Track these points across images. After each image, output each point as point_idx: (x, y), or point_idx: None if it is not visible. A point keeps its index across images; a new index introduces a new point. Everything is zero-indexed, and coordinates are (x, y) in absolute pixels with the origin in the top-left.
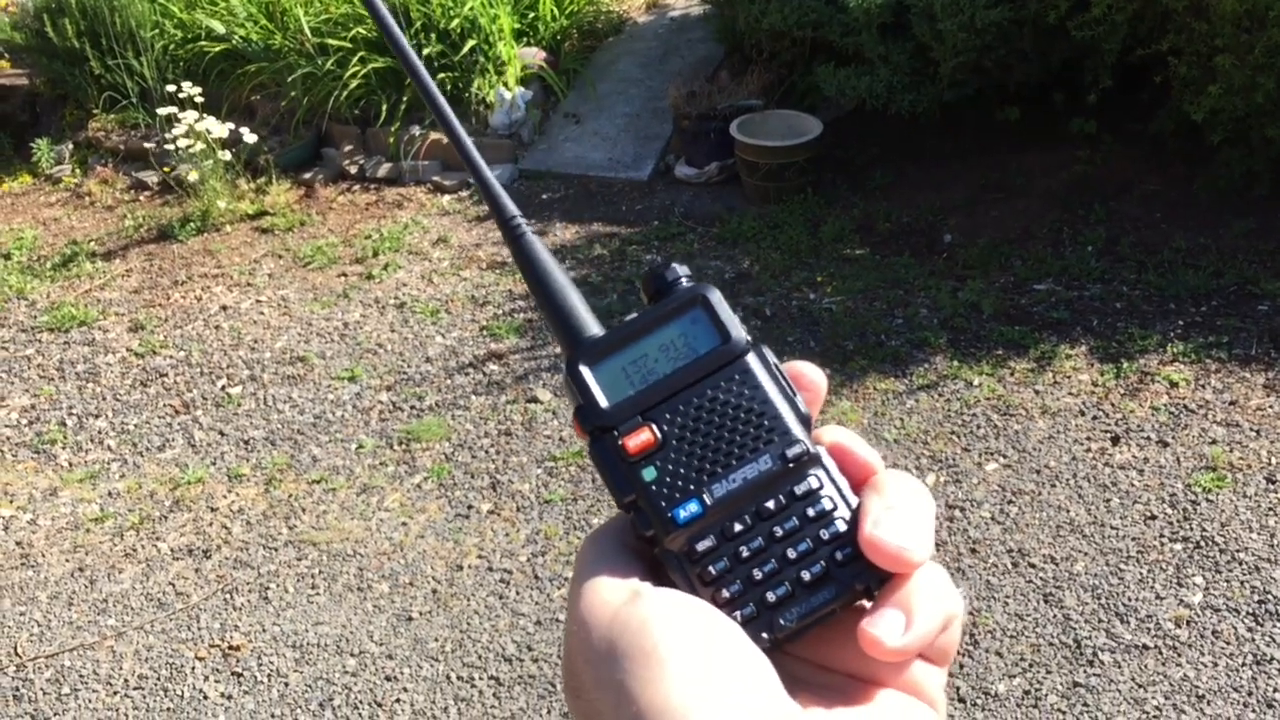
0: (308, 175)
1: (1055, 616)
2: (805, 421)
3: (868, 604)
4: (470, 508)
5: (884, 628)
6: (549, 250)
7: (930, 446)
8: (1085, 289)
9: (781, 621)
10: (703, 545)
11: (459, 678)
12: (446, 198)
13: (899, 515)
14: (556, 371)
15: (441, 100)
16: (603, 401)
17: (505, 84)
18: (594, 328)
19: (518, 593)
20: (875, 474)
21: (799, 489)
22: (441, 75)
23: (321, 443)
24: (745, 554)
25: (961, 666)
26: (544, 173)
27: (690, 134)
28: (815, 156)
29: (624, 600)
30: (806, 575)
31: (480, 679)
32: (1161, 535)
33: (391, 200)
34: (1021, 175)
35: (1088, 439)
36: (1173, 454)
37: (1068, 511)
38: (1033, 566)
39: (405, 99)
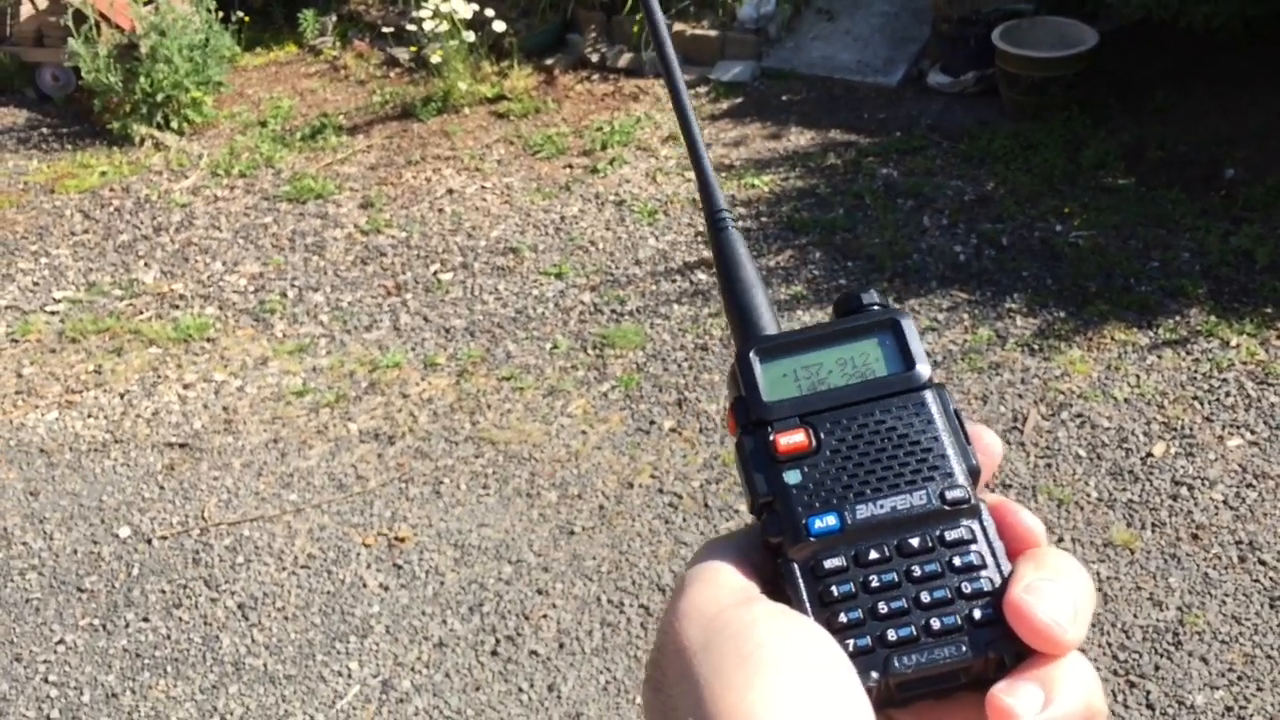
0: (549, 61)
1: (1279, 626)
2: (974, 473)
3: (998, 684)
4: (652, 423)
5: (1020, 700)
6: (748, 248)
7: (1165, 411)
8: None
9: (896, 664)
10: (831, 563)
11: (609, 601)
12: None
13: (1056, 588)
14: (768, 286)
15: (676, 69)
16: (764, 396)
17: None
18: (772, 329)
19: (684, 519)
20: (1036, 546)
21: (950, 534)
22: None
23: (518, 339)
24: (875, 584)
25: (1157, 668)
26: (787, 72)
27: (949, 39)
28: (1086, 71)
29: (733, 601)
30: (937, 624)
31: (630, 605)
32: None
33: (628, 92)
34: None
35: None
36: None
37: None
38: (1263, 564)
39: None
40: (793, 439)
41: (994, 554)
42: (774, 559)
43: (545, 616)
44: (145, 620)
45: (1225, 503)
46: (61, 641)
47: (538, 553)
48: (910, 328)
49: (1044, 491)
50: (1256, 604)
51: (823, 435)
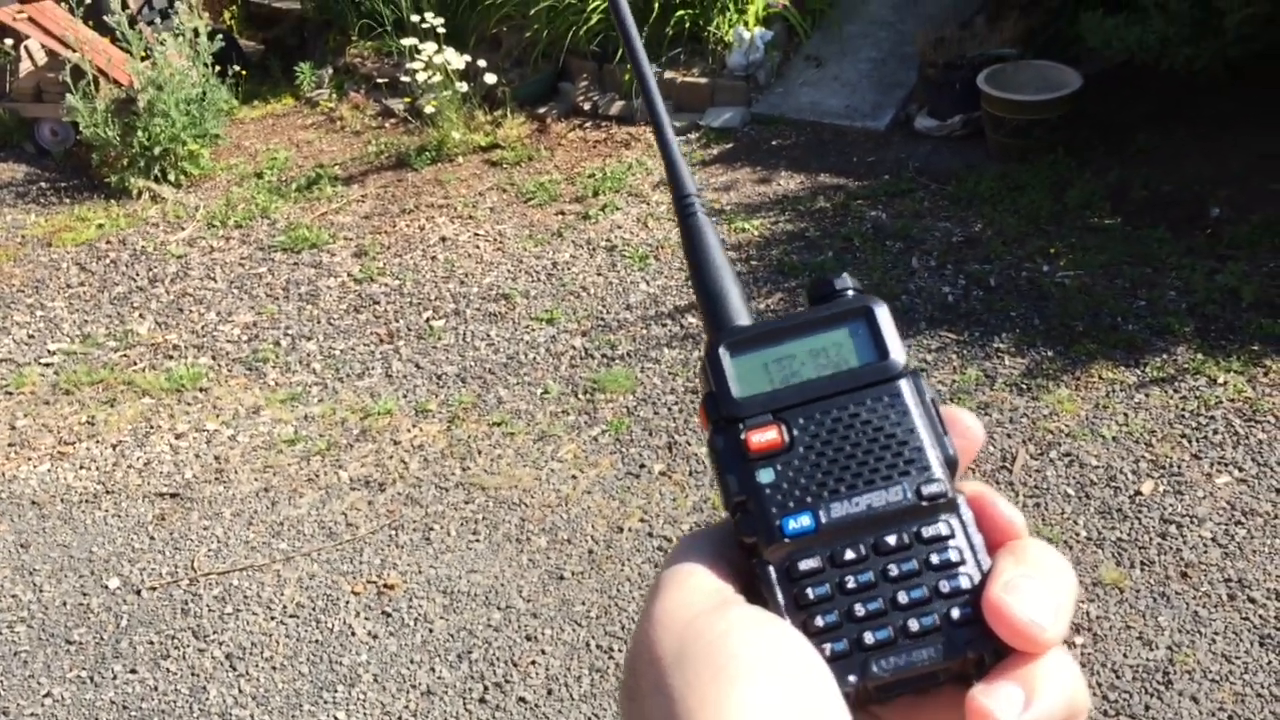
0: (542, 110)
1: (1271, 664)
2: (951, 464)
3: (977, 684)
4: (642, 467)
5: (999, 701)
6: (717, 235)
7: (1154, 449)
8: None
9: (874, 668)
10: (806, 564)
11: (599, 646)
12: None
13: (1036, 585)
14: None
15: (641, 53)
16: (735, 391)
17: (745, 23)
18: (743, 318)
19: None
20: (1017, 539)
21: (926, 531)
22: (681, 12)
23: (509, 384)
24: (851, 585)
25: (1147, 709)
26: (776, 118)
27: (935, 83)
28: (1070, 113)
29: (707, 607)
30: (914, 625)
31: (619, 651)
32: None
33: (620, 139)
34: None
35: None
36: None
37: None
38: (1253, 602)
39: (643, 35)
40: (765, 436)
41: (973, 549)
42: (749, 558)
43: (534, 663)
44: (133, 672)
45: (1214, 540)
46: (49, 694)
47: (527, 598)
48: (884, 315)
49: (1033, 531)
50: (1246, 642)
51: (795, 431)
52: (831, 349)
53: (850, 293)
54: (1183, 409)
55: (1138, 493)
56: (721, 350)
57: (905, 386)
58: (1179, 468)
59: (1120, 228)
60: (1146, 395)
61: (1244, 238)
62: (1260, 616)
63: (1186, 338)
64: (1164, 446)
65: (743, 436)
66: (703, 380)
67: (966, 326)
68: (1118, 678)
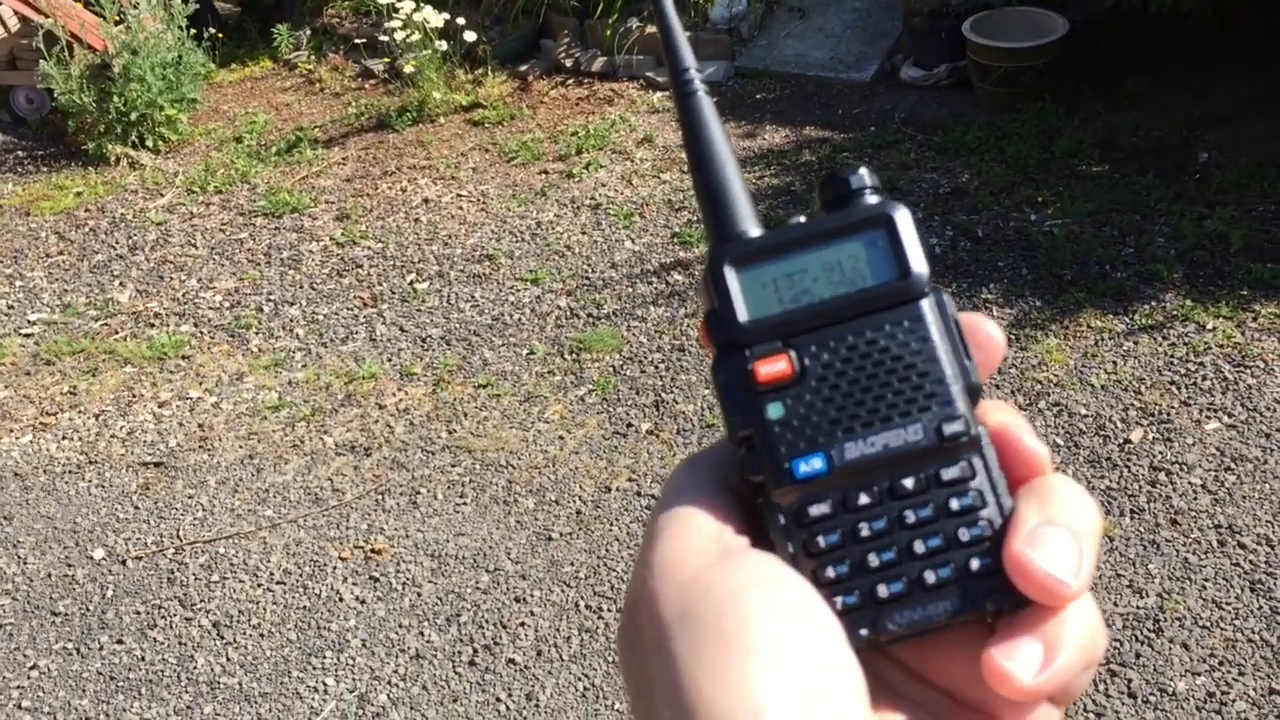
0: (524, 68)
1: (1261, 609)
2: (974, 393)
3: (994, 640)
4: (630, 426)
5: (1018, 661)
6: (722, 123)
7: (1143, 396)
8: None
9: (888, 624)
10: (817, 510)
11: (588, 607)
12: (657, 95)
13: (1059, 535)
14: None
15: None
16: (741, 313)
17: None
18: (750, 224)
19: None
20: (1040, 475)
21: (946, 474)
22: None
23: (495, 346)
24: (865, 533)
25: (1138, 656)
26: (761, 71)
27: (920, 32)
28: (1057, 60)
29: (711, 558)
30: (930, 577)
31: (608, 611)
32: None
33: (603, 96)
34: None
35: None
36: None
37: None
38: (1243, 547)
39: None
40: (774, 367)
41: (994, 489)
42: (755, 494)
43: (523, 624)
44: (120, 642)
45: (1204, 487)
46: (35, 666)
47: (515, 560)
48: (905, 222)
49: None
50: (1237, 588)
51: (807, 361)
52: (847, 263)
53: (868, 193)
54: (1171, 356)
55: (1127, 441)
56: (727, 267)
57: (927, 307)
58: (1168, 415)
59: (1108, 175)
60: (1135, 343)
61: (1232, 182)
62: (1250, 562)
63: (1175, 284)
64: (1153, 394)
65: (750, 367)
66: (704, 296)
67: (954, 278)
68: (1108, 626)
